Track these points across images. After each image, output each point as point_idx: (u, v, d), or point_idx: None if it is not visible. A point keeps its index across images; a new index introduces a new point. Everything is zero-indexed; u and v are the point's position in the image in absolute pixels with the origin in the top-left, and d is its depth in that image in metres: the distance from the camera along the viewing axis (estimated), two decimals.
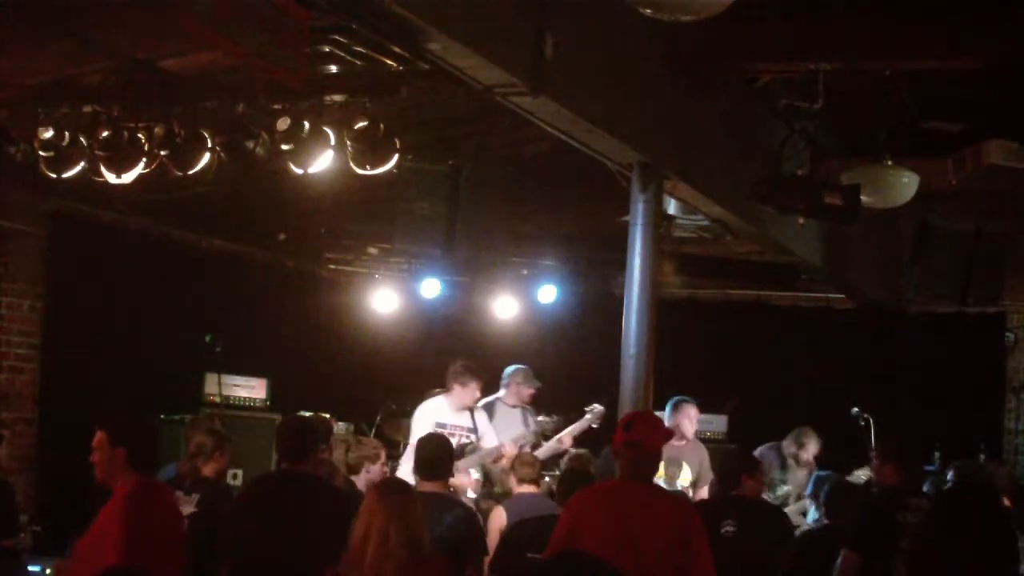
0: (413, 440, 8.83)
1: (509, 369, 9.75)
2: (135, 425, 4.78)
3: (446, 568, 4.62)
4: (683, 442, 8.47)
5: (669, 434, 5.79)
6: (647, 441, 5.20)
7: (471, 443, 9.03)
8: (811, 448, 9.37)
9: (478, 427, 9.15)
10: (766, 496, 8.53)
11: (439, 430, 8.66)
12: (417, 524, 4.38)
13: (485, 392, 9.69)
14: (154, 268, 10.08)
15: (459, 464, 8.42)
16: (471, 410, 9.15)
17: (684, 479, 8.50)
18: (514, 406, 9.66)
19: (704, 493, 8.27)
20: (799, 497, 9.15)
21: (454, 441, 8.71)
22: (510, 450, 8.82)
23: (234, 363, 10.03)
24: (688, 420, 8.57)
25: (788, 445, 9.41)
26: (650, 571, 4.99)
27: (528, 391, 9.61)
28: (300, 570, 2.65)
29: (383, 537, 4.23)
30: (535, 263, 12.04)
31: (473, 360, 9.28)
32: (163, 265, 10.22)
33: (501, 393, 9.71)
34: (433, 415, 9.04)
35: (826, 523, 6.74)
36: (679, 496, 6.09)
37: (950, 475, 7.96)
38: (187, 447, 6.73)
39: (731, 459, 7.20)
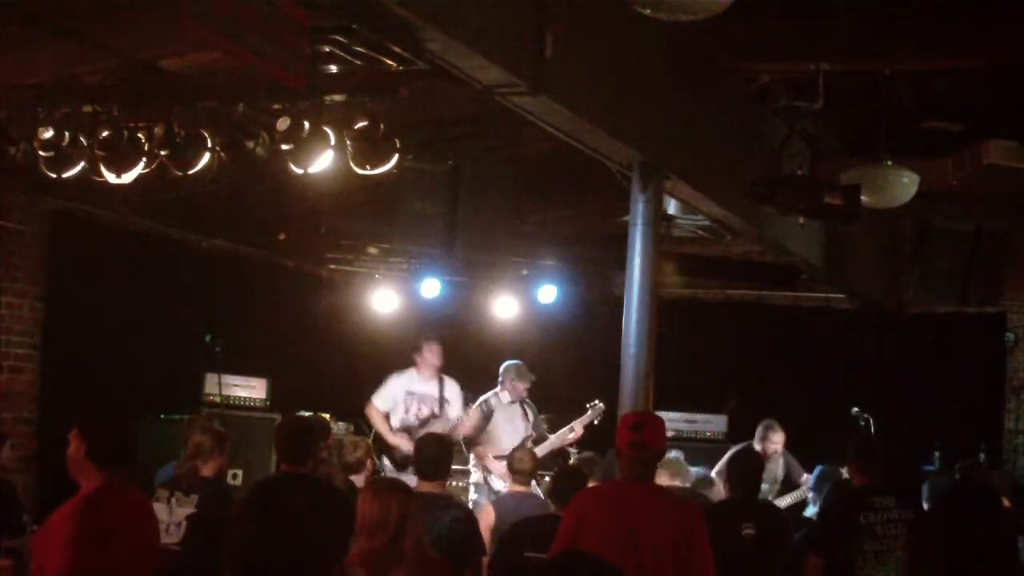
0: (376, 400, 9.68)
1: (504, 365, 9.81)
2: (97, 421, 4.75)
3: (447, 568, 4.62)
4: None
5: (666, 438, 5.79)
6: (655, 443, 5.21)
7: (437, 415, 9.52)
8: (775, 440, 9.47)
9: (447, 396, 9.69)
10: None
11: (409, 398, 9.59)
12: (419, 522, 4.38)
13: (483, 388, 9.79)
14: (154, 268, 10.07)
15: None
16: (441, 380, 9.73)
17: None
18: (512, 401, 9.71)
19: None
20: (781, 492, 9.31)
21: (424, 411, 9.54)
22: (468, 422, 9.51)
23: (234, 363, 10.03)
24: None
25: (755, 442, 9.50)
26: (651, 571, 4.98)
27: (522, 386, 9.67)
28: (307, 572, 2.65)
29: (393, 536, 4.23)
30: (535, 263, 12.03)
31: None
32: (163, 265, 10.21)
33: (498, 389, 9.76)
34: (404, 383, 9.68)
35: None
36: (681, 496, 6.09)
37: (956, 478, 7.97)
38: (186, 447, 6.72)
39: (750, 462, 7.18)
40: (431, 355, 9.67)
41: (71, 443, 4.68)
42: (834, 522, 5.93)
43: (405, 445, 9.29)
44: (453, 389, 9.78)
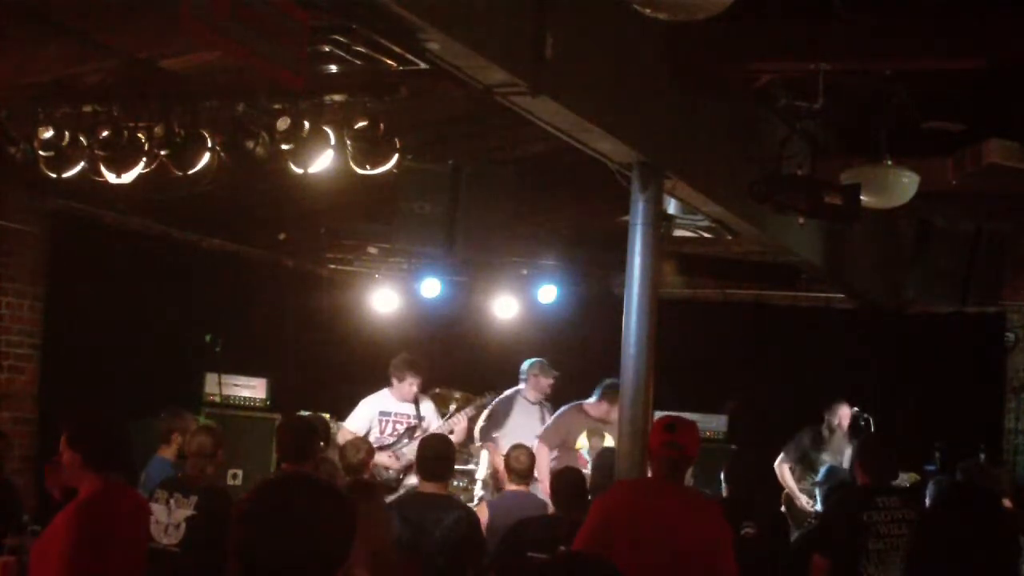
0: (348, 424, 9.34)
1: (526, 363, 9.83)
2: (90, 426, 4.74)
3: (411, 570, 4.64)
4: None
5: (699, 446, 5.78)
6: (688, 446, 5.21)
7: (414, 432, 9.21)
8: (839, 412, 9.54)
9: (423, 414, 9.41)
10: (809, 480, 8.71)
11: (383, 418, 9.31)
12: (381, 525, 4.39)
13: (482, 388, 9.76)
14: (154, 268, 10.08)
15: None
16: (416, 400, 9.43)
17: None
18: (534, 402, 9.69)
19: None
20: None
21: (400, 428, 9.30)
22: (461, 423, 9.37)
23: (234, 363, 10.03)
24: None
25: (825, 418, 9.62)
26: (684, 570, 4.98)
27: (547, 382, 9.70)
28: (310, 573, 2.65)
29: (379, 536, 4.24)
30: (535, 263, 12.03)
31: (414, 355, 9.56)
32: (163, 265, 10.22)
33: (521, 387, 9.76)
34: (376, 404, 9.39)
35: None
36: (709, 498, 6.10)
37: (958, 475, 7.98)
38: (186, 445, 6.72)
39: (748, 463, 7.19)
40: (414, 387, 9.36)
41: (64, 452, 4.67)
42: (837, 521, 5.94)
43: (392, 464, 9.13)
44: (428, 407, 9.50)
